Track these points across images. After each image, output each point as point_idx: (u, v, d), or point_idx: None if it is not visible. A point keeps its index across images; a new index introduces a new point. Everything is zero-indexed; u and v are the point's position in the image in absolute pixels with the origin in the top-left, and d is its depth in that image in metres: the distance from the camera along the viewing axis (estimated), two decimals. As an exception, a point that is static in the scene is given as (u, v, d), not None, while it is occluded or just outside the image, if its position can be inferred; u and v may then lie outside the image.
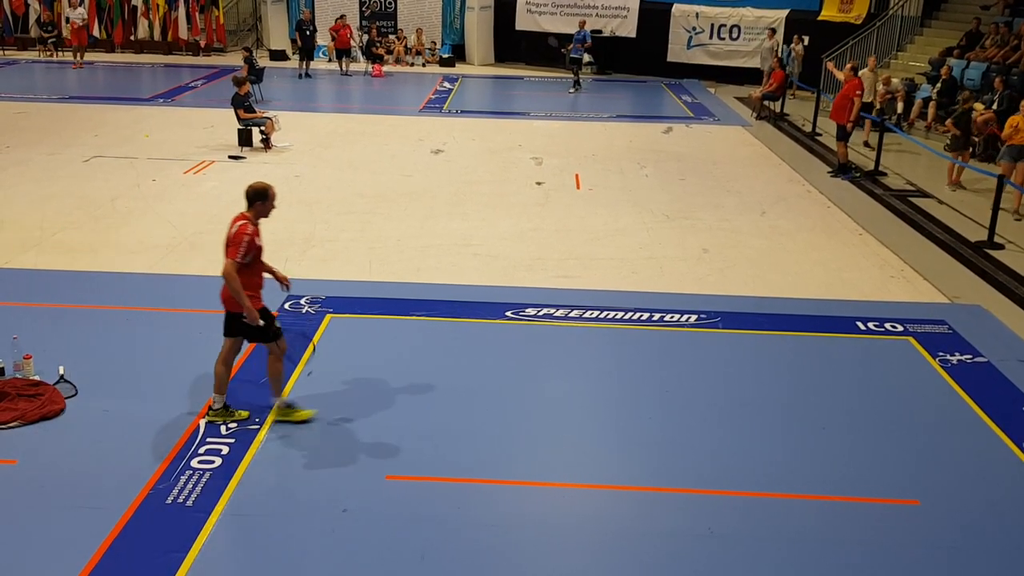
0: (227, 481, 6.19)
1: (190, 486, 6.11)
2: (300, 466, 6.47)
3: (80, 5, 25.81)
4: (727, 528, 5.93)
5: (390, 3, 28.00)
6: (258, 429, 6.86)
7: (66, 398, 7.17)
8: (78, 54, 24.48)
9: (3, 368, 7.46)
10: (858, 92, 15.07)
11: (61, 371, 7.47)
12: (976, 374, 8.18)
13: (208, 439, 6.69)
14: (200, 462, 6.40)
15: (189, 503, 5.94)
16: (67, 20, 25.19)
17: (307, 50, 24.39)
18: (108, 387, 7.42)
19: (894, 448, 6.97)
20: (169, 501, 5.95)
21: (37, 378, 7.36)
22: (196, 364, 7.84)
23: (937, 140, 17.19)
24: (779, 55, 22.24)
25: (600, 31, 26.32)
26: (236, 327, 6.70)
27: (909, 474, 6.63)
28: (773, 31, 23.70)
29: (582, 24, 24.15)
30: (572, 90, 23.49)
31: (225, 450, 6.56)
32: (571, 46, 23.77)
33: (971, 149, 15.47)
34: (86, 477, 6.23)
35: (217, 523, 5.77)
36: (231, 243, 6.55)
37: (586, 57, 25.61)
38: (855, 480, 6.52)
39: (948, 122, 15.44)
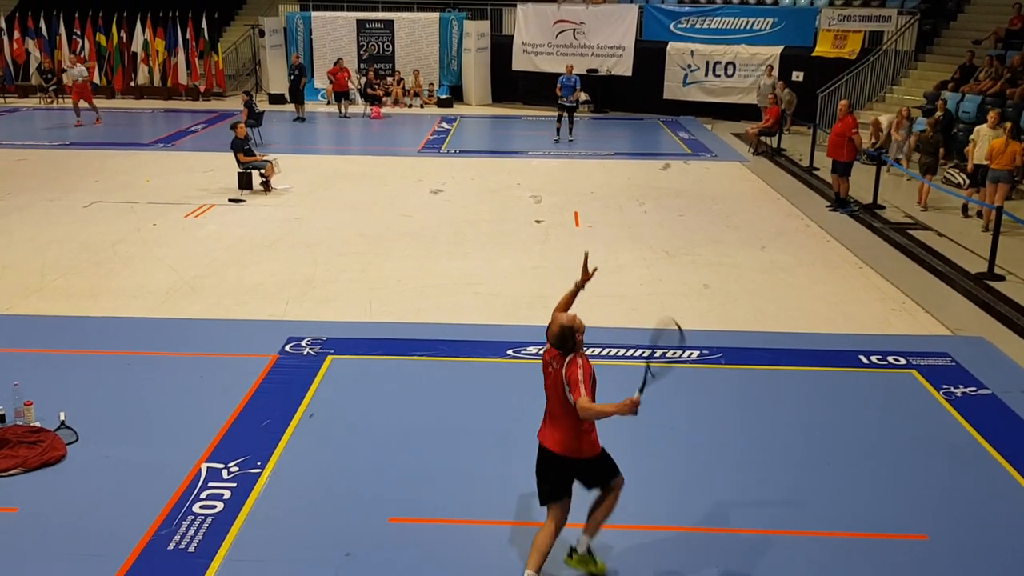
0: (229, 526, 6.14)
1: (192, 532, 6.06)
2: (302, 510, 6.42)
3: (82, 62, 24.87)
4: (734, 567, 5.87)
5: (387, 46, 28.27)
6: (260, 473, 6.81)
7: (67, 444, 7.13)
8: (80, 110, 23.01)
9: (4, 415, 7.43)
10: (854, 129, 15.16)
11: (62, 417, 7.43)
12: (980, 406, 8.14)
13: (210, 484, 6.64)
14: (202, 507, 6.35)
15: (191, 549, 5.89)
16: (70, 79, 23.75)
17: (294, 93, 24.53)
18: (109, 433, 7.39)
19: (900, 482, 6.92)
20: (171, 547, 5.90)
21: (38, 424, 7.32)
22: (197, 408, 7.82)
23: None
24: (775, 92, 22.44)
25: (596, 70, 26.55)
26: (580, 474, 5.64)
27: (916, 508, 6.58)
28: (772, 68, 23.90)
29: (569, 69, 22.13)
30: (556, 138, 21.85)
31: (227, 495, 6.51)
32: (559, 90, 21.78)
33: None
34: (87, 524, 6.18)
35: (219, 569, 5.72)
36: (573, 380, 5.54)
37: (583, 96, 25.79)
38: (862, 515, 6.47)
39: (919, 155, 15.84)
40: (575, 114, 22.47)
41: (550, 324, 5.64)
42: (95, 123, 22.81)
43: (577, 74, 22.34)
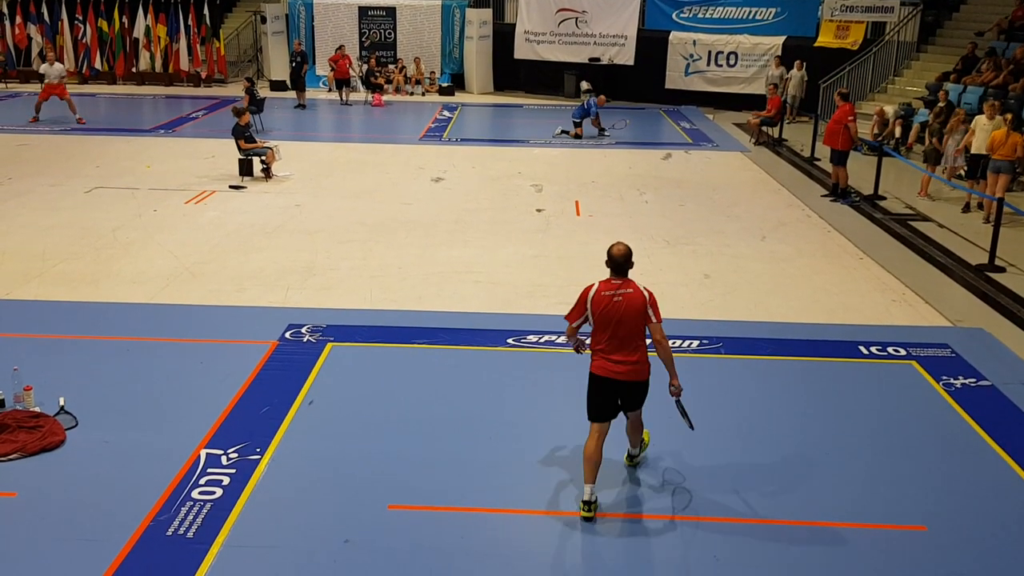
0: (228, 512, 6.15)
1: (191, 517, 6.07)
2: (301, 497, 6.43)
3: (59, 60, 22.67)
4: (733, 556, 5.89)
5: (389, 33, 28.21)
6: (259, 459, 6.82)
7: (66, 429, 7.14)
8: (39, 110, 21.07)
9: (3, 400, 7.43)
10: (851, 117, 15.15)
11: (61, 402, 7.44)
12: (980, 397, 8.14)
13: (209, 470, 6.65)
14: (201, 493, 6.36)
15: (190, 535, 5.90)
16: (43, 79, 21.35)
17: (295, 80, 24.49)
18: (109, 418, 7.40)
19: (899, 473, 6.92)
20: (170, 533, 5.91)
21: (37, 409, 7.33)
22: (197, 394, 7.83)
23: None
24: (778, 82, 22.42)
25: (599, 59, 26.49)
26: (639, 399, 6.47)
27: (915, 499, 6.58)
28: (779, 58, 23.82)
29: (602, 102, 21.50)
30: (556, 133, 21.08)
31: (226, 481, 6.52)
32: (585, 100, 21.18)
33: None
34: (86, 509, 6.19)
35: (218, 555, 5.73)
36: (654, 305, 6.29)
37: (585, 85, 25.68)
38: (861, 506, 6.48)
39: (935, 140, 15.64)
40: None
41: (615, 247, 6.36)
42: (79, 122, 21.04)
43: (595, 100, 21.32)
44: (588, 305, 6.30)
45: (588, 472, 6.24)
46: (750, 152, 19.79)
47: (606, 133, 21.11)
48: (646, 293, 6.30)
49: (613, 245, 6.40)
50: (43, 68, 21.58)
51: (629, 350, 6.25)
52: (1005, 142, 13.59)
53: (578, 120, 20.79)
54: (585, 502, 6.21)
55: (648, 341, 6.33)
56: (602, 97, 21.85)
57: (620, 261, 6.34)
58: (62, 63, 23.03)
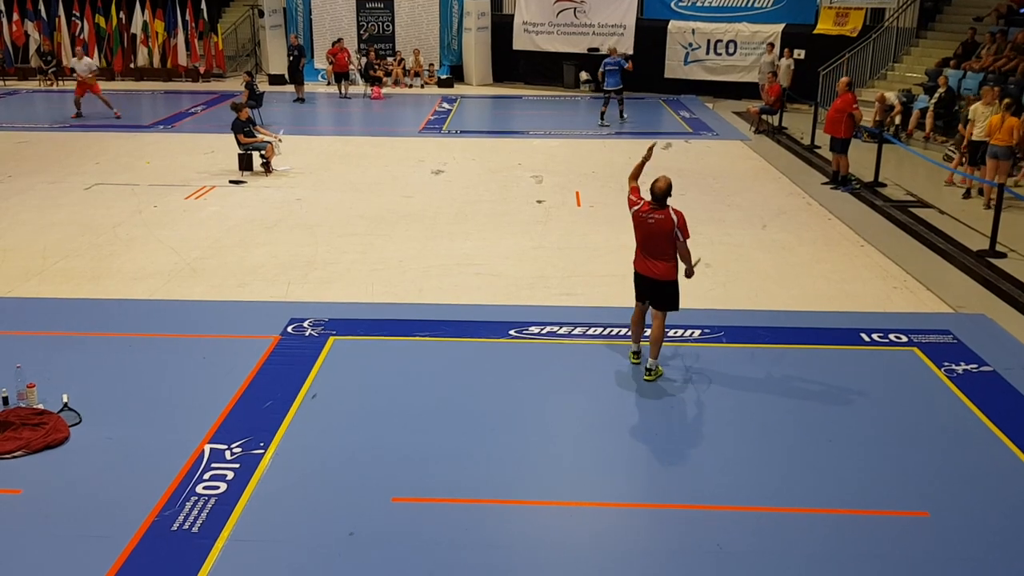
0: (232, 507, 6.17)
1: (195, 512, 6.09)
2: (305, 490, 6.45)
3: (87, 55, 22.76)
4: (735, 544, 5.90)
5: (387, 25, 28.16)
6: (262, 454, 6.84)
7: (70, 426, 7.15)
8: (79, 106, 21.26)
9: (6, 397, 7.44)
10: (854, 106, 15.12)
11: (65, 399, 7.45)
12: (982, 383, 8.15)
13: (213, 465, 6.67)
14: (205, 488, 6.38)
15: (195, 529, 5.92)
16: (72, 71, 21.42)
17: (293, 74, 24.44)
18: (112, 414, 7.41)
19: (902, 460, 6.93)
20: (174, 528, 5.93)
21: (41, 407, 7.35)
22: (200, 390, 7.84)
23: (935, 150, 17.25)
24: (774, 69, 22.37)
25: (597, 49, 26.44)
26: (659, 297, 8.09)
27: (918, 486, 6.60)
28: (772, 46, 23.79)
29: (612, 51, 21.83)
30: (601, 122, 21.15)
31: (230, 475, 6.53)
32: (602, 76, 21.25)
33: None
34: (91, 506, 6.20)
35: (223, 549, 5.74)
36: (682, 227, 7.84)
37: (584, 76, 25.63)
38: (864, 493, 6.49)
39: (963, 143, 15.47)
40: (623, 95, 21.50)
41: (656, 183, 7.82)
42: (115, 116, 21.14)
43: (621, 55, 21.22)
44: (632, 214, 8.00)
45: (635, 334, 8.42)
46: (750, 141, 19.77)
47: (606, 124, 21.09)
48: (675, 217, 7.81)
49: (657, 179, 7.87)
50: (72, 62, 21.43)
51: (653, 258, 7.98)
52: (1001, 127, 13.57)
53: (619, 82, 20.94)
54: (634, 352, 8.40)
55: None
56: (613, 49, 21.88)
57: (658, 195, 7.83)
58: (91, 58, 22.83)
